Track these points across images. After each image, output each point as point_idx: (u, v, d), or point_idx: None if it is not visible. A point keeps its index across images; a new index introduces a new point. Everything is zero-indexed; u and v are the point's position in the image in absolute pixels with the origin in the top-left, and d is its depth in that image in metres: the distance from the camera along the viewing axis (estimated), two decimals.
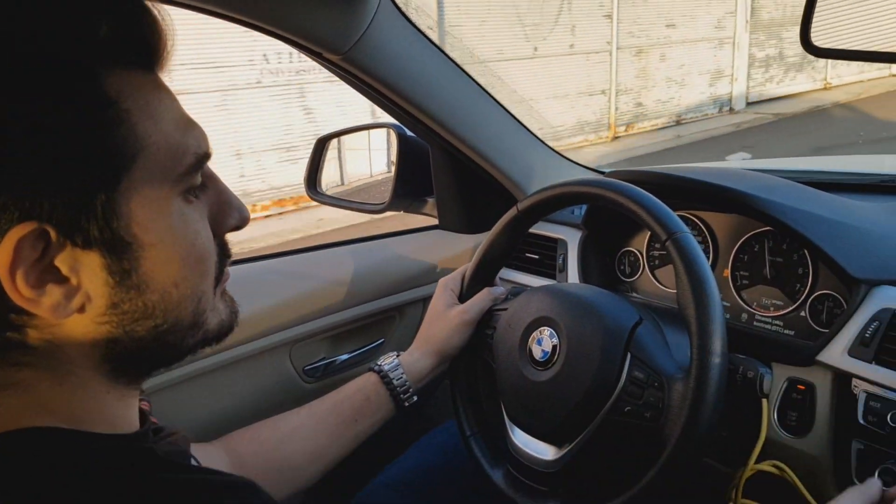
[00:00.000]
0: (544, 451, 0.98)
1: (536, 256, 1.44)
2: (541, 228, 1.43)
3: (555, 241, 1.41)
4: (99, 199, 0.52)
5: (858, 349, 0.95)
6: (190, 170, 0.58)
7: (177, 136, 0.57)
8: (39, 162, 0.49)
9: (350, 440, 1.09)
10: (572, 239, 1.38)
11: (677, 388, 0.88)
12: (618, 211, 1.00)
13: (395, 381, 1.09)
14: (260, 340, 1.27)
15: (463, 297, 1.16)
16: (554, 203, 1.08)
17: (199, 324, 0.62)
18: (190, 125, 0.59)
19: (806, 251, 1.11)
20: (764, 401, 1.00)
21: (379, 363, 1.12)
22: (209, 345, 0.65)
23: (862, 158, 1.77)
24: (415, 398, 1.10)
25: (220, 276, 0.64)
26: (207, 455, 0.90)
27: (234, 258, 0.69)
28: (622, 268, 1.38)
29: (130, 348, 0.57)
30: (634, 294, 1.35)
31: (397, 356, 1.13)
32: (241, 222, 0.66)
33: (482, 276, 1.18)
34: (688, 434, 0.85)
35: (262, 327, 1.27)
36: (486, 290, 1.15)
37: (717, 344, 0.86)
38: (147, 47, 0.57)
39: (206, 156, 0.60)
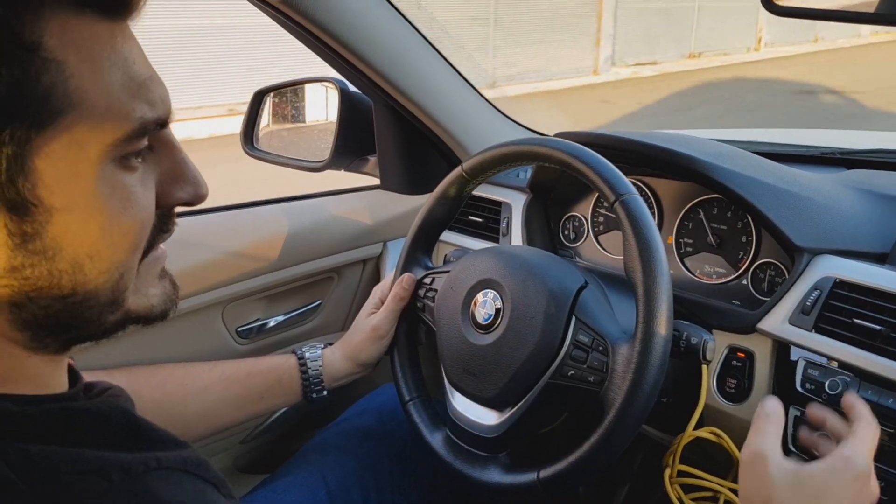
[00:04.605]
0: (485, 416, 0.96)
1: (480, 219, 1.41)
2: (485, 191, 1.40)
3: (499, 204, 1.38)
4: (4, 152, 0.45)
5: (799, 318, 0.95)
6: (130, 136, 0.50)
7: (123, 98, 0.50)
8: None
9: (249, 415, 1.08)
10: (517, 202, 1.35)
11: (622, 353, 0.86)
12: (565, 172, 0.97)
13: (310, 372, 1.08)
14: (192, 299, 1.21)
15: (400, 269, 1.13)
16: (500, 162, 1.04)
17: (119, 302, 0.55)
18: (144, 87, 0.52)
19: (750, 218, 1.10)
20: (704, 367, 0.99)
21: (303, 349, 1.10)
22: (137, 324, 0.59)
23: (806, 133, 1.79)
24: (324, 393, 1.09)
25: (148, 250, 0.57)
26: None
27: None
28: (566, 233, 1.36)
29: (40, 316, 0.51)
30: (578, 259, 1.33)
31: (323, 347, 1.11)
32: (195, 199, 0.59)
33: (424, 239, 1.14)
34: (631, 398, 0.83)
35: (194, 285, 1.21)
36: (396, 298, 1.10)
37: (664, 309, 0.84)
38: None
39: (159, 121, 0.53)
